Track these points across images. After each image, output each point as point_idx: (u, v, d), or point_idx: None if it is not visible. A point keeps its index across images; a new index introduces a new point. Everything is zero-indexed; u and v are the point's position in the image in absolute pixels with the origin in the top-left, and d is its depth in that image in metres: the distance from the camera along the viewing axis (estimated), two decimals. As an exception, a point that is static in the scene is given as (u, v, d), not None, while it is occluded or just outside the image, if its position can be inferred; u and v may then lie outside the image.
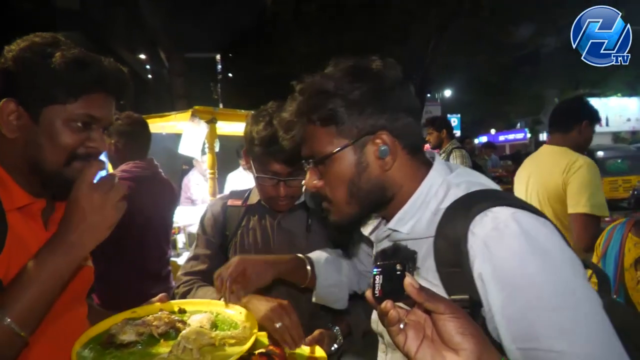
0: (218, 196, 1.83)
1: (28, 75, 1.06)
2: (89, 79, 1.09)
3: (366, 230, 1.14)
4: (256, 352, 1.29)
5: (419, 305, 0.70)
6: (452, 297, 0.85)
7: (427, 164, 1.04)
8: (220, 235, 1.68)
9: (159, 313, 1.22)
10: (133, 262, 2.39)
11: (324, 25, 14.91)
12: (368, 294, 0.73)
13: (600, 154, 11.69)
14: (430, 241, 0.92)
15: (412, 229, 0.98)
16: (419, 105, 1.04)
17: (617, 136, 21.67)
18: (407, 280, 0.69)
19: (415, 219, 0.98)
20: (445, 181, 0.99)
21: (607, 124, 21.58)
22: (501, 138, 29.53)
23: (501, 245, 0.81)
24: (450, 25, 13.24)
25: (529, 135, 30.32)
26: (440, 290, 0.88)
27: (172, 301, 1.34)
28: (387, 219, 1.04)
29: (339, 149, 0.97)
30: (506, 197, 0.89)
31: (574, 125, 2.77)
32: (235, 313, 1.25)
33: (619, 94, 22.28)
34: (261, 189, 1.60)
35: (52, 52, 1.07)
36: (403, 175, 1.00)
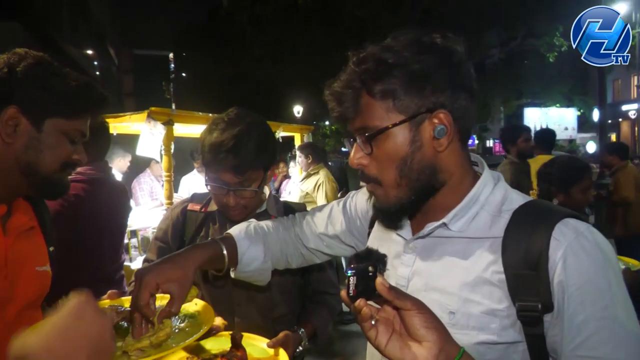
0: (181, 199, 1.78)
1: (38, 89, 1.15)
2: (93, 102, 1.25)
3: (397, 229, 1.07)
4: (218, 355, 1.29)
5: (388, 303, 0.76)
6: (522, 302, 0.85)
7: (470, 161, 1.02)
8: (178, 241, 1.61)
9: (109, 307, 1.20)
10: (87, 266, 2.32)
11: (278, 28, 14.92)
12: (343, 293, 0.78)
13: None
14: (494, 241, 0.90)
15: (465, 227, 0.94)
16: (476, 87, 0.97)
17: (555, 144, 22.99)
18: (378, 280, 0.75)
19: (467, 218, 0.94)
20: (500, 185, 0.98)
21: (547, 133, 22.86)
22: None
23: (583, 254, 0.84)
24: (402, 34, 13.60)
25: (477, 141, 31.56)
26: (500, 291, 0.88)
27: (122, 297, 1.32)
28: (425, 211, 1.00)
29: (394, 124, 0.90)
30: (569, 210, 0.92)
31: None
32: (190, 304, 1.23)
33: (557, 105, 23.68)
34: (214, 197, 1.56)
35: (60, 71, 1.19)
36: (454, 162, 0.95)
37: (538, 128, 22.67)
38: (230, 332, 1.33)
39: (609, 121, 20.18)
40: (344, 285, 0.79)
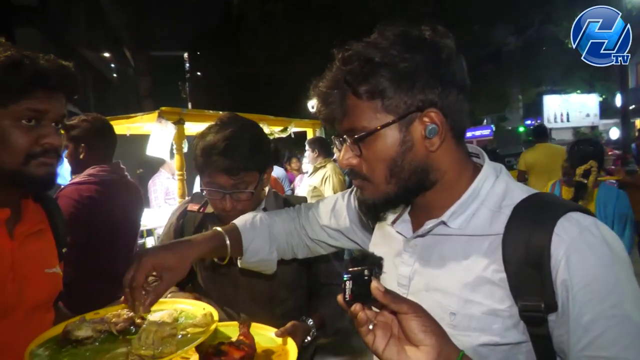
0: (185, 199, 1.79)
1: None
2: (25, 80, 1.08)
3: (391, 223, 1.05)
4: (226, 342, 1.28)
5: (386, 307, 0.74)
6: (524, 302, 0.82)
7: (469, 155, 0.99)
8: None
9: (119, 311, 1.21)
10: (102, 267, 2.33)
11: (290, 26, 14.90)
12: (339, 298, 0.76)
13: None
14: (494, 239, 0.87)
15: (465, 225, 0.91)
16: (469, 82, 0.93)
17: (577, 131, 22.45)
18: (374, 284, 0.73)
19: (467, 214, 0.91)
20: (502, 177, 0.94)
21: (568, 120, 22.33)
22: (468, 134, 30.19)
23: (587, 251, 0.80)
24: (415, 26, 13.49)
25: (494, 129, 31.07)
26: (502, 290, 0.84)
27: None
28: (424, 209, 0.97)
29: (383, 125, 0.87)
30: (574, 203, 0.88)
31: None
32: (198, 308, 1.24)
33: (578, 91, 23.09)
34: (210, 203, 1.54)
35: None
36: (448, 160, 0.92)
37: (558, 116, 22.23)
38: (239, 321, 1.33)
39: (633, 106, 19.58)
40: None
